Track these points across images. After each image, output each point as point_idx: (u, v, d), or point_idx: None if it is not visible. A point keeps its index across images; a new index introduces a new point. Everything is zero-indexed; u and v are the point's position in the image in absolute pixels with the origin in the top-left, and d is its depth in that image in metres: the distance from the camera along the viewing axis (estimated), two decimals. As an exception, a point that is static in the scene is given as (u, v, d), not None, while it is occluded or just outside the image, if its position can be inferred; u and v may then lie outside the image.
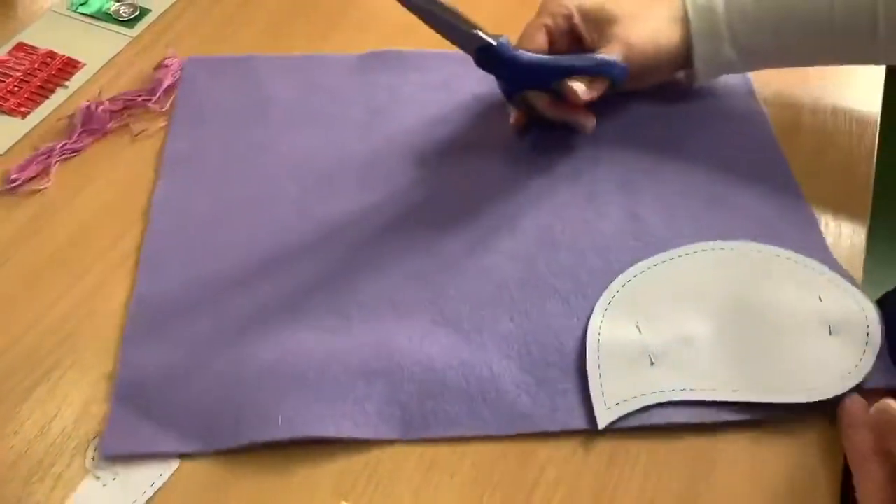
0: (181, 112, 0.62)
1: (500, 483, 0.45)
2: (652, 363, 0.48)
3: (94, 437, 0.45)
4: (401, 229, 0.56)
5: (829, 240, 0.55)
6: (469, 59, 0.67)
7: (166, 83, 0.65)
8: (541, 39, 0.58)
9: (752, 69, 0.62)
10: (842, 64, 0.62)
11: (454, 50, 0.67)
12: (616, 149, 0.61)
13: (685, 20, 0.58)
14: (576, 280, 0.53)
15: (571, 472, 0.45)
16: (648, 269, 0.53)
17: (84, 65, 0.67)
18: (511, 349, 0.49)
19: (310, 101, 0.63)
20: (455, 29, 0.55)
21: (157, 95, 0.64)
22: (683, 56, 0.59)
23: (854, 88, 0.66)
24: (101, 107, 0.62)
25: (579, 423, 0.46)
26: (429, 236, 0.55)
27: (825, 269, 0.52)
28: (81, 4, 0.73)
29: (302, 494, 0.44)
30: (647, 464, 0.45)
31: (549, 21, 0.59)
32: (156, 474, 0.44)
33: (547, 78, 0.57)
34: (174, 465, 0.45)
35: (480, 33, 0.55)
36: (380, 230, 0.55)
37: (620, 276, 0.52)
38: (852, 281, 0.51)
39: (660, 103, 0.64)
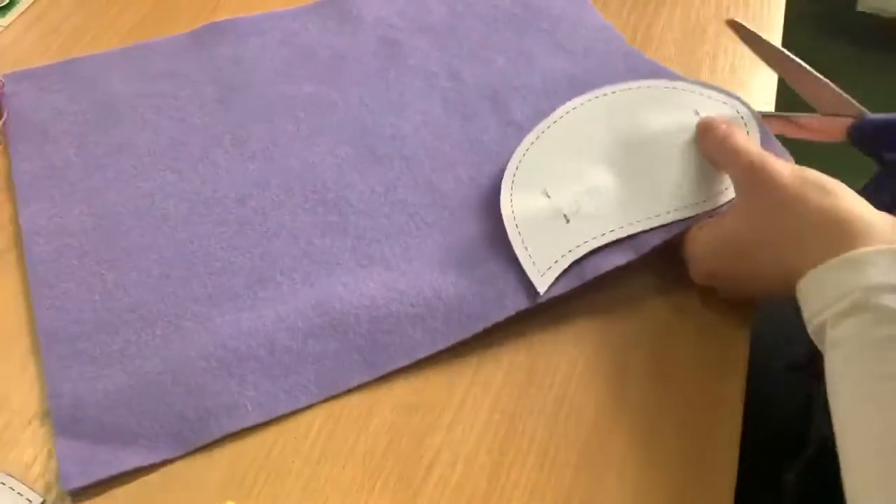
0: (18, 131, 0.57)
1: (394, 469, 0.43)
2: (567, 221, 0.50)
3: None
4: (296, 188, 0.54)
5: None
6: (306, 12, 0.66)
7: (-10, 106, 0.59)
8: None
9: None
10: None
11: (283, 8, 0.66)
12: (476, 70, 0.62)
13: None
14: (479, 189, 0.54)
15: (468, 453, 0.44)
16: (538, 138, 0.55)
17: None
18: (443, 264, 0.50)
19: (155, 89, 0.60)
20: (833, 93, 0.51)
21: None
22: None
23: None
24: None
25: (524, 300, 0.47)
26: (327, 188, 0.54)
27: (695, 86, 0.55)
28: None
29: (186, 497, 0.42)
30: (541, 439, 0.44)
31: None
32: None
33: None
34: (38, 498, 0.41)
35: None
36: (276, 194, 0.54)
37: (516, 152, 0.54)
38: (722, 90, 0.54)
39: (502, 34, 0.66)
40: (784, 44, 0.64)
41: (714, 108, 0.54)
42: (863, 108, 0.52)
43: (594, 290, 0.48)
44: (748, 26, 0.54)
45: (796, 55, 0.54)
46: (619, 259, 0.49)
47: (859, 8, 1.69)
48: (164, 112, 0.59)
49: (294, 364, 0.46)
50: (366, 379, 0.46)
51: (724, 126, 0.49)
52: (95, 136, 0.57)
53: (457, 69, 0.62)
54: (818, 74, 0.52)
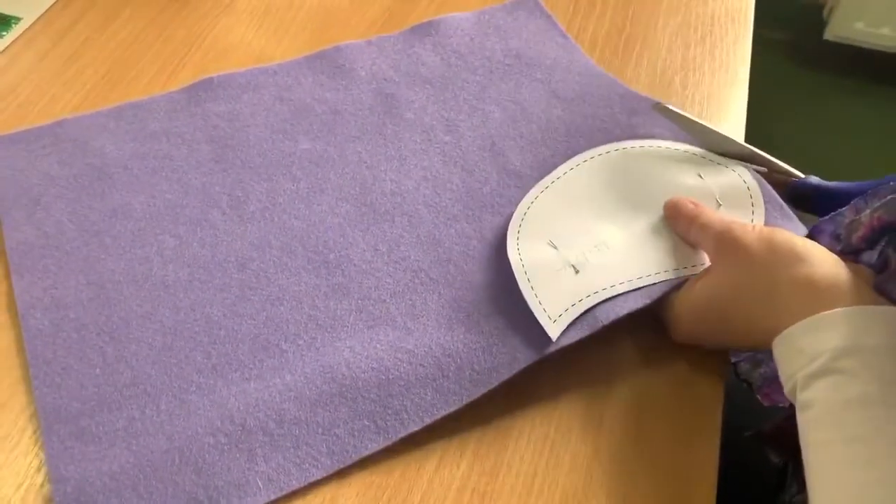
0: (8, 198, 0.55)
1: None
2: (577, 272, 0.49)
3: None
4: (297, 249, 0.53)
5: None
6: (299, 66, 0.66)
7: (-25, 174, 0.57)
8: None
9: None
10: None
11: (275, 63, 0.66)
12: (474, 122, 0.62)
13: None
14: (482, 242, 0.54)
15: None
16: (542, 191, 0.55)
17: None
18: (450, 321, 0.49)
19: (150, 150, 0.59)
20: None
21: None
22: None
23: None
24: None
25: (536, 352, 0.47)
26: (329, 248, 0.54)
27: (695, 149, 0.55)
28: None
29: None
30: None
31: None
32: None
33: None
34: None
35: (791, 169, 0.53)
36: (278, 256, 0.53)
37: (520, 204, 0.54)
38: (730, 160, 0.54)
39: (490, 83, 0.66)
40: (752, 72, 0.67)
41: (715, 173, 0.54)
42: (798, 172, 0.53)
43: (568, 355, 0.48)
44: (674, 108, 0.55)
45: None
46: (632, 304, 0.48)
47: (826, 36, 1.71)
48: (159, 173, 0.58)
49: (304, 435, 0.45)
50: (378, 447, 0.45)
51: (691, 206, 0.50)
52: (89, 201, 0.56)
53: (454, 122, 0.62)
54: (755, 149, 0.53)
